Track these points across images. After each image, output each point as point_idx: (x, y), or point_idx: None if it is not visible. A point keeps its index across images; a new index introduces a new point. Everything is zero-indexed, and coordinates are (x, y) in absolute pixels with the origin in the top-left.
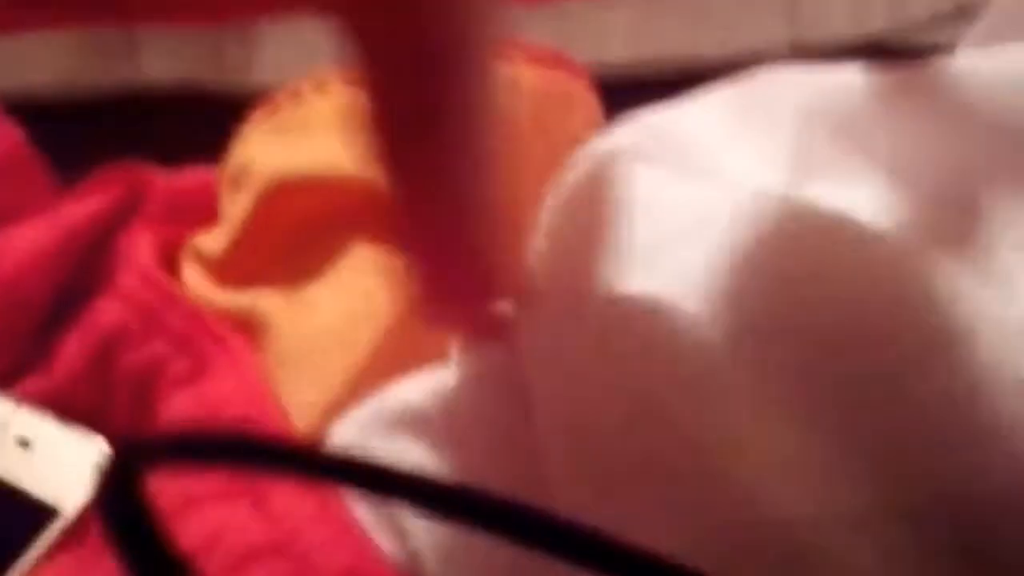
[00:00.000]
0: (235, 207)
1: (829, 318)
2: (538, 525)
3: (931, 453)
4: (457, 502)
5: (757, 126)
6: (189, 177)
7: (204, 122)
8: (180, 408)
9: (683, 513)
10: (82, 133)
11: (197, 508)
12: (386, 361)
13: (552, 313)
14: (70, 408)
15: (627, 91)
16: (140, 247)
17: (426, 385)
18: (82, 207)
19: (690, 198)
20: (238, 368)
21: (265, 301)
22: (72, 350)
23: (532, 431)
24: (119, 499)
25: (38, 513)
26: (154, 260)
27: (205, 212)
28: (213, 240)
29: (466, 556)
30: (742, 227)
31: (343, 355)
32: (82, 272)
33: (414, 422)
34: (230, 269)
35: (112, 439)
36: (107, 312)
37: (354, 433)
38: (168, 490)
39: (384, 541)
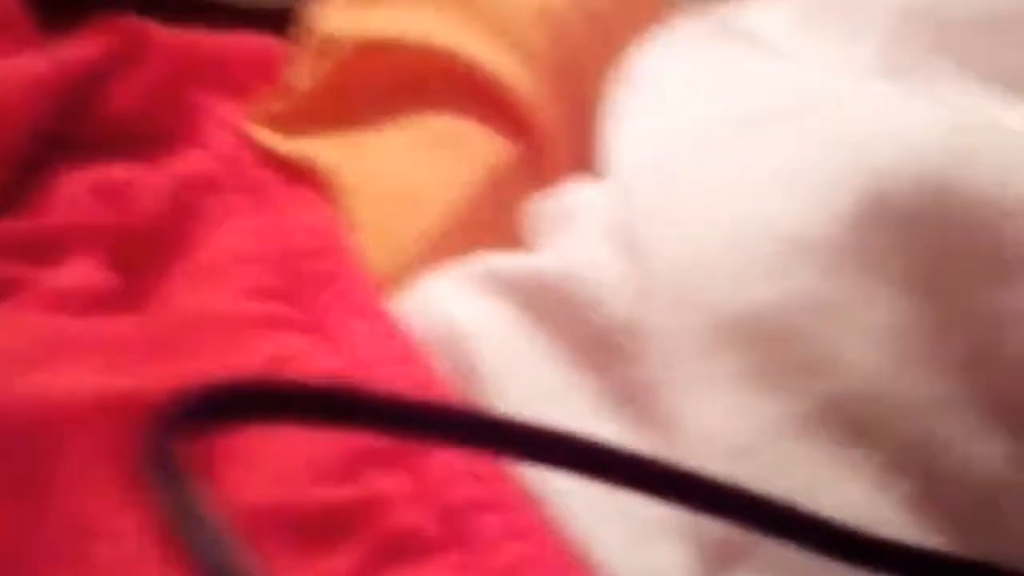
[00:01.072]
0: (315, 72)
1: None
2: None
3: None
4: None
5: (834, 22)
6: (198, 38)
7: None
8: (248, 231)
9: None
10: None
11: (264, 332)
12: (460, 232)
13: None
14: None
15: None
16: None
17: (523, 261)
18: (78, 49)
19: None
20: (313, 207)
21: (332, 154)
22: (152, 191)
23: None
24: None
25: None
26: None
27: (220, 75)
28: (280, 101)
29: None
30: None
31: (416, 220)
32: (71, 114)
33: (509, 288)
34: (298, 124)
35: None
36: (194, 160)
37: (445, 288)
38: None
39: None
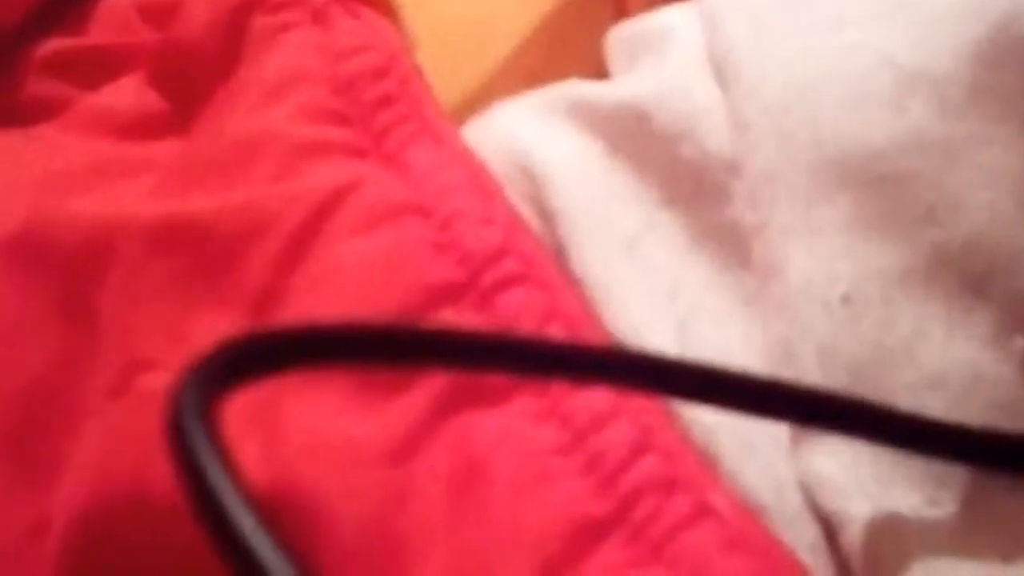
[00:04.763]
0: None
1: None
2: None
3: None
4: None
5: None
6: None
7: None
8: (303, 51)
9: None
10: None
11: (324, 158)
12: (532, 62)
13: None
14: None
15: None
16: None
17: (604, 88)
18: None
19: None
20: (373, 28)
21: None
22: (200, 9)
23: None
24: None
25: None
26: None
27: None
28: None
29: None
30: None
31: (485, 50)
32: None
33: (589, 117)
34: None
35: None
36: None
37: (519, 116)
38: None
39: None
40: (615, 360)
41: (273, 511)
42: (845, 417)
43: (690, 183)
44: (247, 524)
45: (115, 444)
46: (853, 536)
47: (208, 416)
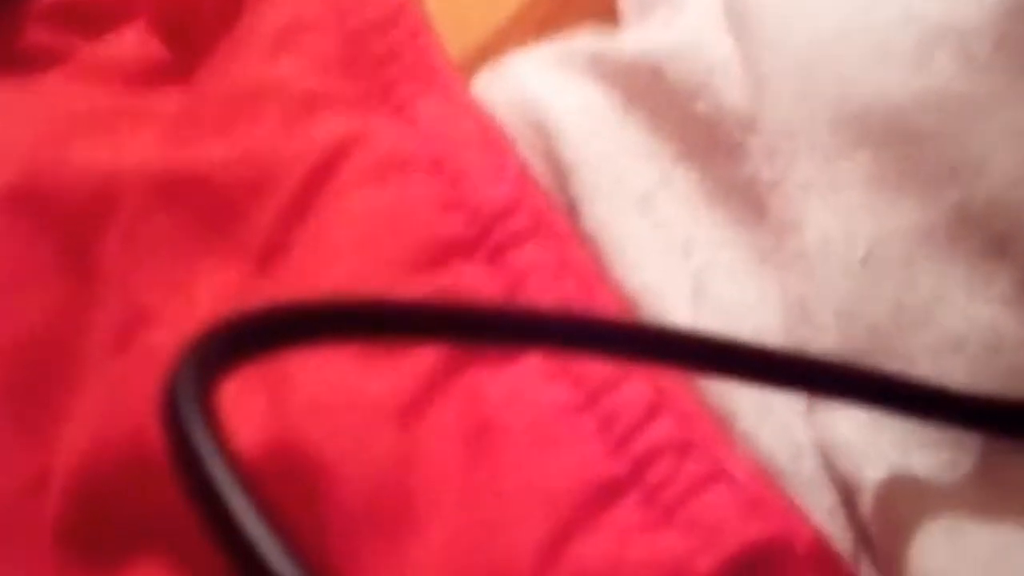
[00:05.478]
0: None
1: None
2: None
3: None
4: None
5: None
6: None
7: None
8: (309, 1)
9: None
10: None
11: (330, 110)
12: (541, 14)
13: None
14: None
15: None
16: None
17: (618, 41)
18: None
19: None
20: None
21: None
22: None
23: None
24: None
25: None
26: None
27: None
28: None
29: None
30: None
31: (492, 0)
32: None
33: (602, 69)
34: None
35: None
36: None
37: (530, 69)
38: None
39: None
40: (621, 332)
41: (278, 471)
42: (856, 387)
43: (705, 138)
44: (241, 508)
45: (116, 401)
46: (870, 499)
47: (204, 400)
